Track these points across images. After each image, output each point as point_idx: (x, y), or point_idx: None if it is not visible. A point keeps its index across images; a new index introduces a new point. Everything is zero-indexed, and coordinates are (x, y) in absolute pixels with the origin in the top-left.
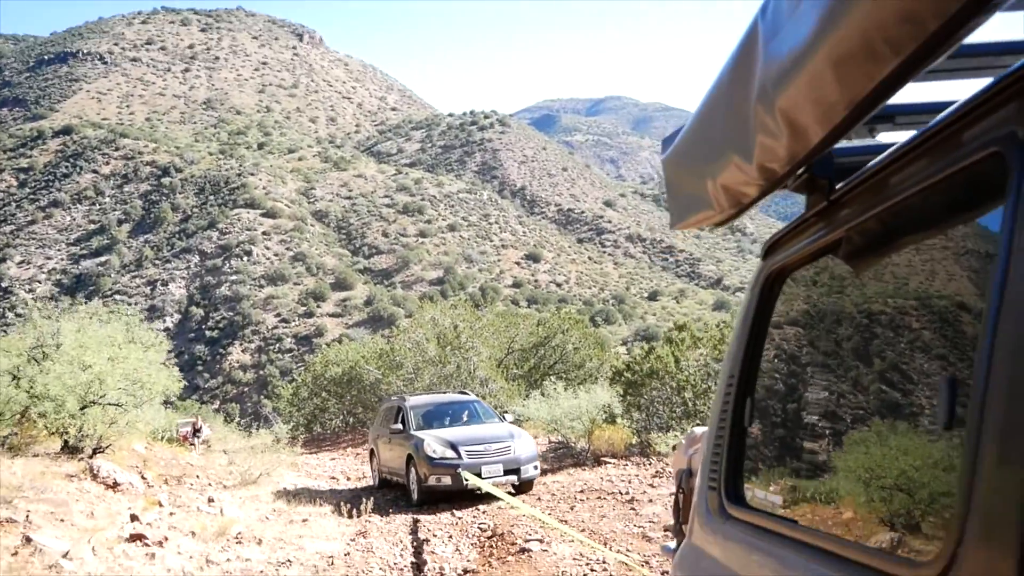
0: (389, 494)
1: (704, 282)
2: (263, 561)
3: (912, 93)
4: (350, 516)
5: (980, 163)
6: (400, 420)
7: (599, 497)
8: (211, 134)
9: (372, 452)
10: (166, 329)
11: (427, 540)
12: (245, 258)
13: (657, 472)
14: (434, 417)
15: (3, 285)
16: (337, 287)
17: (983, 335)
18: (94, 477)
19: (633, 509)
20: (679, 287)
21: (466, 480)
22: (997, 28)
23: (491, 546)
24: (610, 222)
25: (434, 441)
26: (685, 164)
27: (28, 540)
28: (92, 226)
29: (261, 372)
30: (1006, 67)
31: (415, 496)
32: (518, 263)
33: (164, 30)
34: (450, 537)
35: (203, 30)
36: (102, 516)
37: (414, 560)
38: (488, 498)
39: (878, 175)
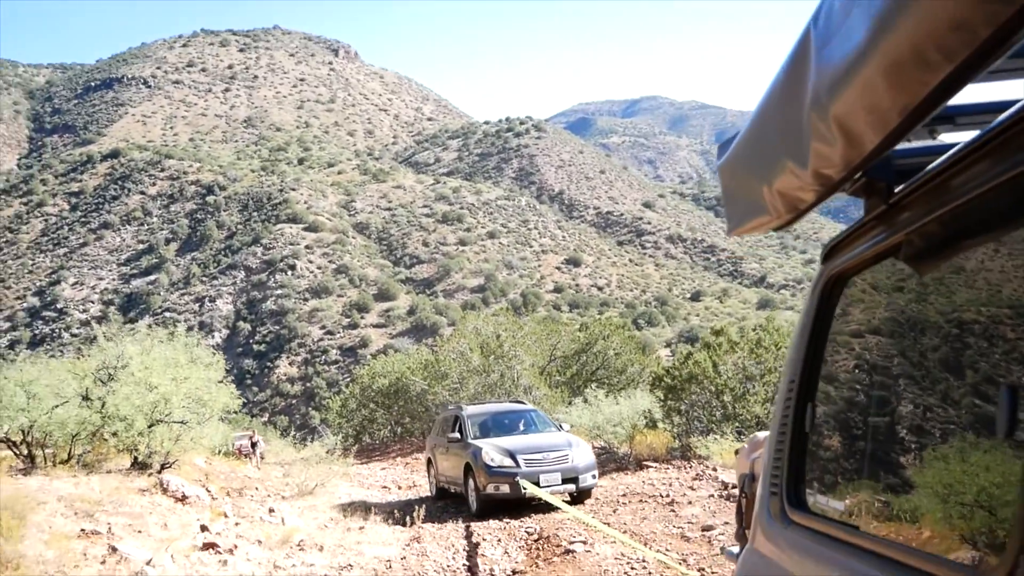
0: (440, 502)
1: (747, 280)
2: (325, 566)
3: (973, 93)
4: (404, 524)
5: None
6: (458, 429)
7: (641, 500)
8: (252, 151)
9: (429, 461)
10: (215, 345)
11: (477, 544)
12: (289, 272)
13: (697, 475)
14: (491, 426)
15: (58, 306)
16: (380, 298)
17: None
18: (164, 491)
19: (673, 511)
20: (722, 287)
21: (524, 489)
22: None
23: (538, 548)
24: (650, 223)
25: (492, 450)
26: (741, 170)
27: (114, 549)
28: (141, 246)
29: (308, 384)
30: None
31: (474, 505)
32: (558, 268)
33: (204, 52)
34: (499, 541)
35: (241, 50)
36: (175, 527)
37: (466, 563)
38: (538, 503)
39: (938, 178)
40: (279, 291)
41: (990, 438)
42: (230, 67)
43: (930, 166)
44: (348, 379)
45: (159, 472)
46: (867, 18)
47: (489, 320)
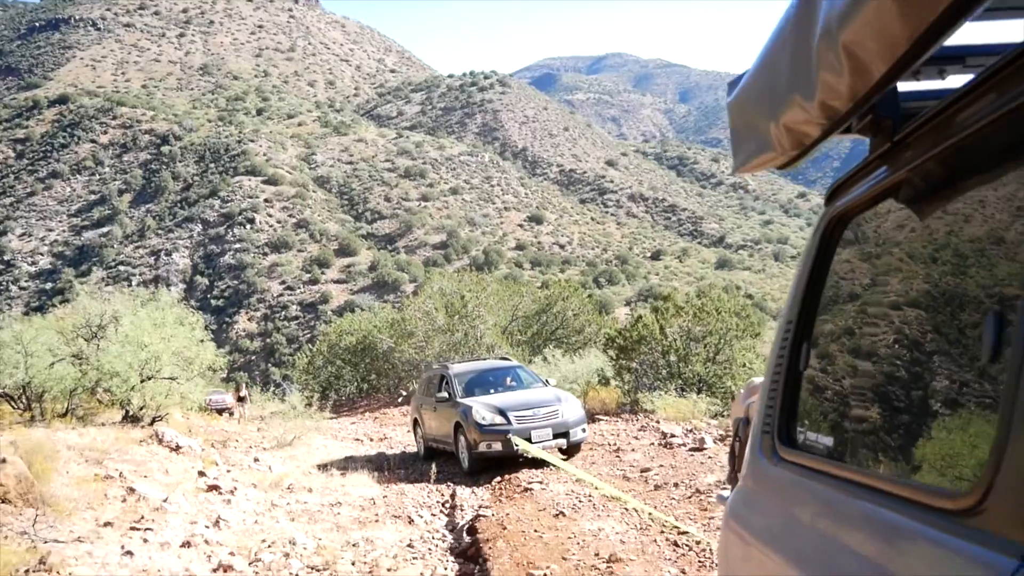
0: (411, 450)
1: (707, 240)
2: (318, 504)
3: (983, 33)
4: (382, 470)
5: None
6: (445, 388)
7: (591, 448)
8: (209, 100)
9: (416, 422)
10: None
11: (447, 484)
12: (248, 226)
13: (642, 427)
14: (479, 384)
15: (5, 258)
16: (341, 253)
17: None
18: (160, 441)
19: (618, 457)
20: (682, 246)
21: (516, 446)
22: None
23: (500, 488)
24: (612, 182)
25: (483, 408)
26: (749, 106)
27: (132, 490)
28: (93, 197)
29: (268, 340)
30: None
31: (466, 464)
32: (521, 225)
33: None
34: (468, 483)
35: None
36: (175, 473)
37: (440, 499)
38: (527, 459)
39: (943, 114)
40: (237, 245)
41: (974, 369)
42: (185, 11)
43: (935, 105)
44: (309, 335)
45: (150, 425)
46: None
47: (454, 280)
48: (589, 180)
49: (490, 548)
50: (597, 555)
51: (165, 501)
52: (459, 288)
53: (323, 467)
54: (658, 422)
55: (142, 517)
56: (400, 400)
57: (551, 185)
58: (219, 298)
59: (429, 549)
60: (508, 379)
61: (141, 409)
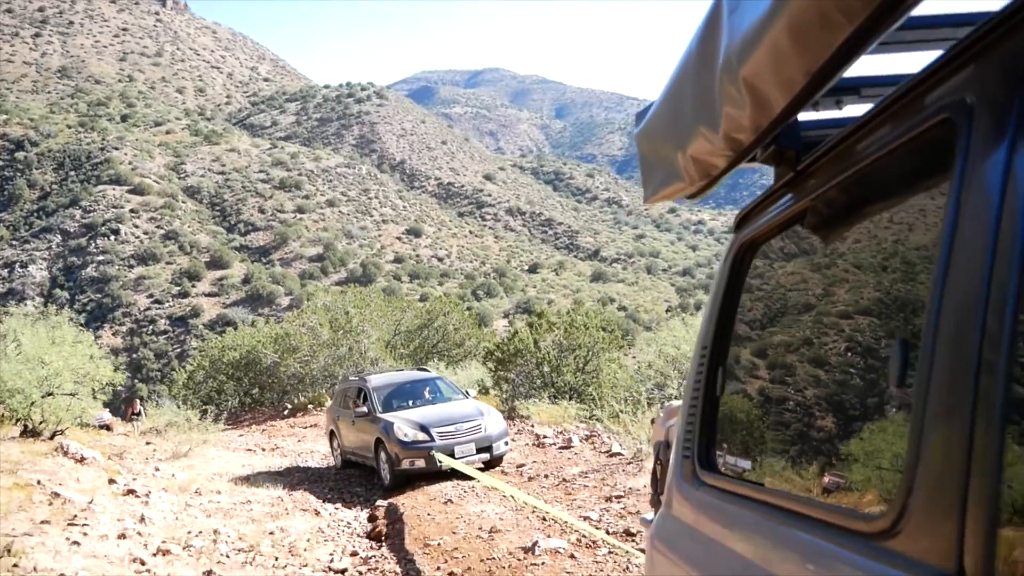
0: (306, 457)
1: (582, 254)
2: (229, 503)
3: (877, 65)
4: (282, 474)
5: (933, 129)
6: (364, 402)
7: None
8: (68, 105)
9: (332, 434)
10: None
11: (346, 482)
12: (112, 237)
13: (519, 430)
14: (398, 396)
15: None
16: (213, 266)
17: (931, 298)
18: (64, 454)
19: None
20: (558, 259)
21: (440, 462)
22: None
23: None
24: (490, 195)
25: (405, 424)
26: (656, 137)
27: (56, 495)
28: None
29: (134, 355)
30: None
31: (387, 480)
32: (399, 238)
33: None
34: (362, 480)
35: None
36: (86, 481)
37: (341, 497)
38: (450, 473)
39: (841, 144)
40: (101, 257)
41: (884, 395)
42: (41, 9)
43: (834, 135)
44: (179, 350)
45: (51, 439)
46: None
47: (338, 297)
48: (467, 193)
49: (390, 529)
50: (480, 528)
51: (91, 503)
52: (343, 304)
53: (224, 474)
54: (532, 426)
55: (75, 516)
56: (286, 412)
57: (429, 198)
58: (81, 312)
59: (337, 533)
60: (427, 391)
61: (40, 424)
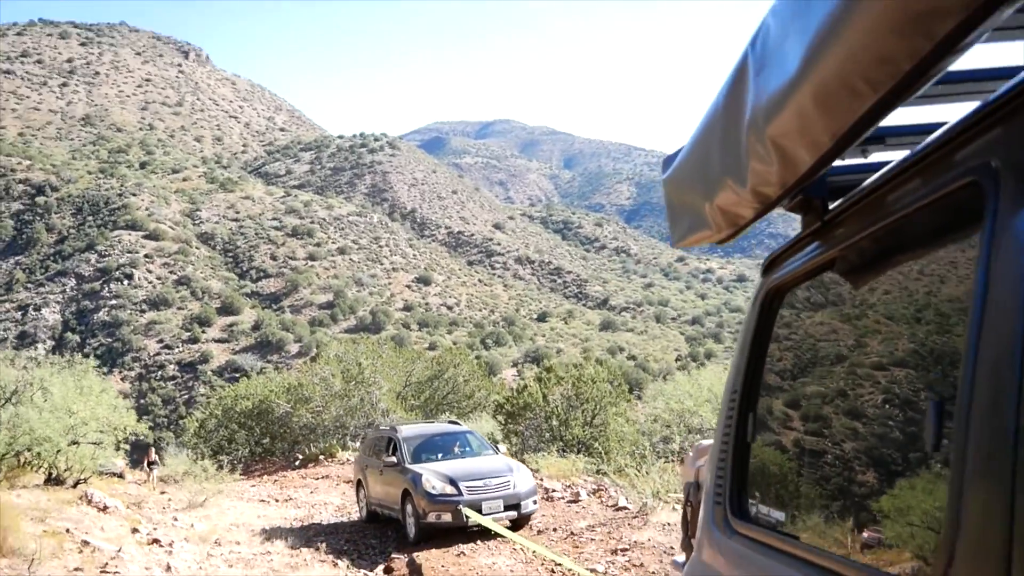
0: (320, 509)
1: (591, 302)
2: (249, 553)
3: (903, 115)
4: (301, 526)
5: (961, 190)
6: (393, 452)
7: None
8: (90, 151)
9: (359, 484)
10: (33, 358)
11: (360, 534)
12: (126, 282)
13: None
14: (427, 449)
15: None
16: (223, 312)
17: (965, 360)
18: (88, 502)
19: None
20: (567, 308)
21: (467, 517)
22: (985, 55)
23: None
24: (499, 244)
25: (433, 476)
26: (684, 185)
27: (86, 543)
28: None
29: (142, 401)
30: (992, 92)
31: (412, 533)
32: (409, 286)
33: (41, 43)
34: (377, 532)
35: (83, 44)
36: (110, 529)
37: (354, 547)
38: (476, 529)
39: (869, 196)
40: (113, 301)
41: (921, 451)
42: (69, 60)
43: (862, 185)
44: (187, 396)
45: (74, 487)
46: (800, 47)
47: (351, 347)
48: (477, 242)
49: None
50: None
51: (119, 551)
52: (356, 354)
53: (241, 524)
54: (542, 479)
55: (105, 564)
56: (297, 463)
57: (439, 247)
58: (91, 356)
59: None
60: (457, 444)
61: (65, 471)
